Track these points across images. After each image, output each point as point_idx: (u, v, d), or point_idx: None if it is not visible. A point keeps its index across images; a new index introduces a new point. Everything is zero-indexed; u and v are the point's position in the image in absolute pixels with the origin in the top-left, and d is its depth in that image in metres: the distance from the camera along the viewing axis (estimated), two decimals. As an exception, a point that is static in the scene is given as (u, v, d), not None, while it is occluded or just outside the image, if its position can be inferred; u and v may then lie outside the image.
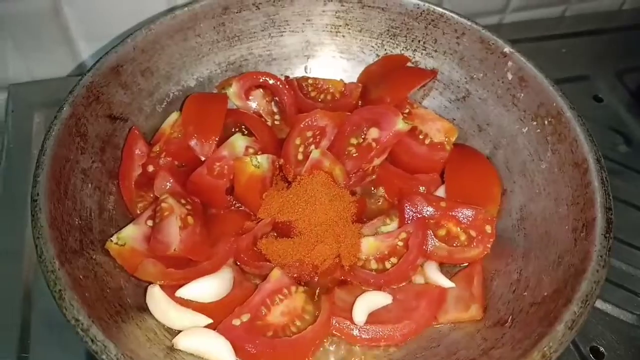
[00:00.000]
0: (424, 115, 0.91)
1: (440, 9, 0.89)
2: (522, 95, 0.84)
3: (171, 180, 0.78)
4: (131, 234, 0.73)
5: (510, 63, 0.84)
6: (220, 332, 0.69)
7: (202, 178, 0.79)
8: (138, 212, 0.78)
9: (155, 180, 0.78)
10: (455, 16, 0.88)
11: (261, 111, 0.95)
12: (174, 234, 0.70)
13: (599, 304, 0.87)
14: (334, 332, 0.73)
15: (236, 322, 0.70)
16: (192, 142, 0.82)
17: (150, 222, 0.74)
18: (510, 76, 0.85)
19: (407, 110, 0.91)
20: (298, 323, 0.73)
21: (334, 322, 0.73)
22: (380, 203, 0.88)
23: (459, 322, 0.74)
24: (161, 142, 0.83)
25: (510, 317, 0.69)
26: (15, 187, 0.94)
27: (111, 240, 0.71)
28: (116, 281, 0.70)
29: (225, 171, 0.80)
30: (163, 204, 0.73)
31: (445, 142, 0.88)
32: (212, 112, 0.85)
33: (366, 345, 0.73)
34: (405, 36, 0.94)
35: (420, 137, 0.89)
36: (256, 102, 0.95)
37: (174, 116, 0.87)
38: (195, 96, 0.88)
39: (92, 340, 0.55)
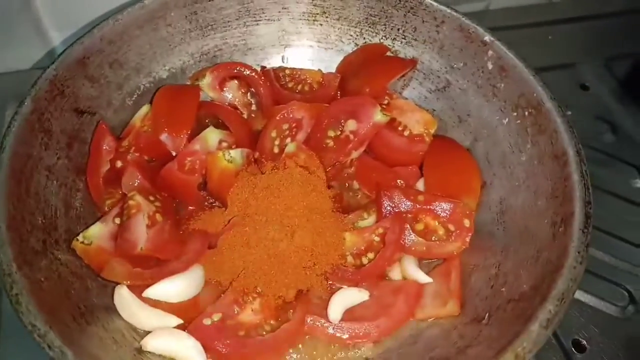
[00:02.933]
0: (403, 106, 0.89)
1: (419, -4, 0.87)
2: (503, 85, 0.81)
3: (139, 177, 0.75)
4: (98, 233, 0.70)
5: (490, 52, 0.82)
6: (191, 332, 0.67)
7: (173, 174, 0.77)
8: (106, 209, 0.76)
9: (122, 176, 0.76)
10: (435, 4, 0.86)
11: (237, 103, 0.92)
12: (140, 233, 0.68)
13: (581, 296, 0.85)
14: (308, 330, 0.71)
15: (207, 321, 0.68)
16: (163, 136, 0.80)
17: (118, 220, 0.72)
18: (490, 65, 0.82)
19: (386, 101, 0.89)
20: (272, 322, 0.71)
21: (308, 320, 0.71)
22: (358, 197, 0.86)
23: (436, 319, 0.73)
24: (130, 136, 0.81)
25: (487, 313, 0.68)
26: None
27: (77, 239, 0.69)
28: (82, 282, 0.68)
29: (197, 166, 0.78)
30: (130, 202, 0.71)
31: (425, 134, 0.86)
32: (183, 105, 0.83)
33: (342, 343, 0.71)
34: (385, 24, 0.92)
35: (399, 128, 0.87)
36: (231, 94, 0.92)
37: (145, 109, 0.85)
38: (166, 88, 0.86)
39: (49, 347, 0.53)
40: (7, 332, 0.75)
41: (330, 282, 0.75)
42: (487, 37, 0.82)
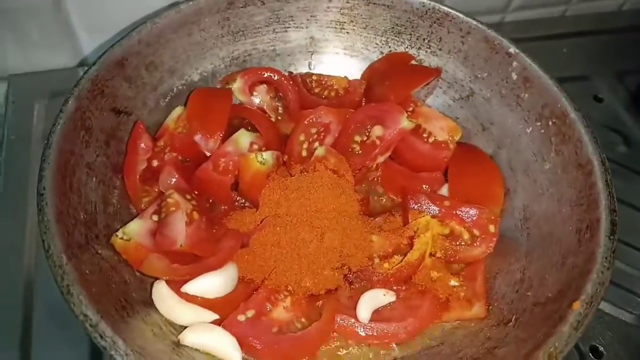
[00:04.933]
0: (428, 113, 0.91)
1: (445, 8, 0.89)
2: (527, 95, 0.84)
3: (176, 176, 0.77)
4: (136, 229, 0.72)
5: (515, 63, 0.85)
6: (226, 327, 0.69)
7: (208, 174, 0.79)
8: (142, 206, 0.78)
9: (160, 175, 0.78)
10: (461, 15, 0.88)
11: (265, 107, 0.94)
12: (180, 230, 0.69)
13: (599, 303, 0.87)
14: (338, 329, 0.73)
15: (241, 317, 0.70)
16: (197, 137, 0.82)
17: (155, 217, 0.74)
18: (514, 76, 0.85)
19: (411, 109, 0.91)
20: (303, 319, 0.73)
21: (338, 319, 0.73)
22: (383, 201, 0.88)
23: (462, 321, 0.75)
24: (165, 136, 0.83)
25: (514, 316, 0.70)
26: (16, 179, 0.93)
27: (116, 235, 0.71)
28: (121, 276, 0.69)
29: (230, 167, 0.80)
30: (169, 199, 0.72)
31: (449, 141, 0.88)
32: (217, 107, 0.85)
33: (370, 343, 0.73)
34: (410, 34, 0.94)
35: (424, 135, 0.89)
36: (260, 98, 0.94)
37: (178, 111, 0.87)
38: (200, 91, 0.88)
39: (101, 336, 0.55)
40: (39, 330, 0.77)
41: (358, 283, 0.77)
42: (512, 49, 0.85)
